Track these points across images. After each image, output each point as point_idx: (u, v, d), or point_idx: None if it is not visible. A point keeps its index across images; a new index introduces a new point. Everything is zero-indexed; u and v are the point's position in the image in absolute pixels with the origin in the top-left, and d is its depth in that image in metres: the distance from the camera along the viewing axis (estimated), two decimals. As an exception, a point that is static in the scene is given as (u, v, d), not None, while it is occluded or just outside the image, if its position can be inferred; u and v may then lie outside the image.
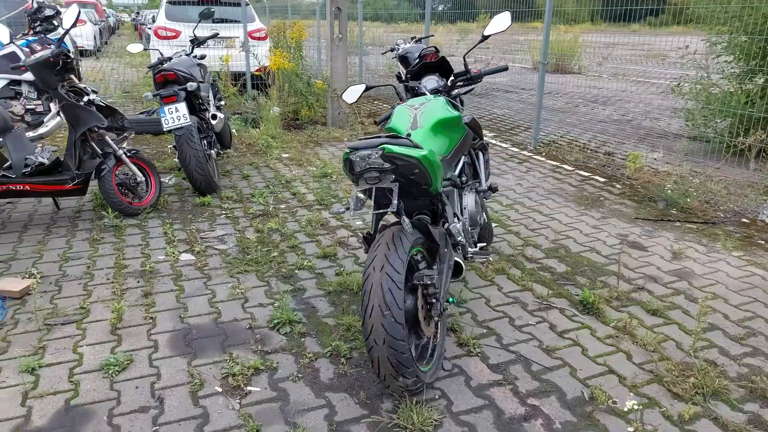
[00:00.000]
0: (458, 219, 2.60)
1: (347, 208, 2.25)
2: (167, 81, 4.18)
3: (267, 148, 5.96)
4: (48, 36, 5.07)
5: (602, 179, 5.12)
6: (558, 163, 5.66)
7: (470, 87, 3.26)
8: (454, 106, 2.98)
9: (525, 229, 3.93)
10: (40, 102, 4.71)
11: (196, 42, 5.27)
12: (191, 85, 4.17)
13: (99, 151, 3.76)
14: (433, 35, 7.96)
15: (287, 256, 3.38)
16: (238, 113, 7.07)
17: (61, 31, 5.06)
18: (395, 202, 1.97)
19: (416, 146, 2.07)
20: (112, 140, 3.82)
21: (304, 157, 5.69)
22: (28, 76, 4.76)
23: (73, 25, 3.54)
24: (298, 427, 1.96)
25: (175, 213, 4.08)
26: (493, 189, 3.27)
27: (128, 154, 3.90)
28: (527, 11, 7.91)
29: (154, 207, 4.09)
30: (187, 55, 5.13)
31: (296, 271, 3.18)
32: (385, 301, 1.89)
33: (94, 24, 19.97)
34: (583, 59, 10.61)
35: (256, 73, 7.58)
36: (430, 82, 2.99)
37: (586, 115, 8.19)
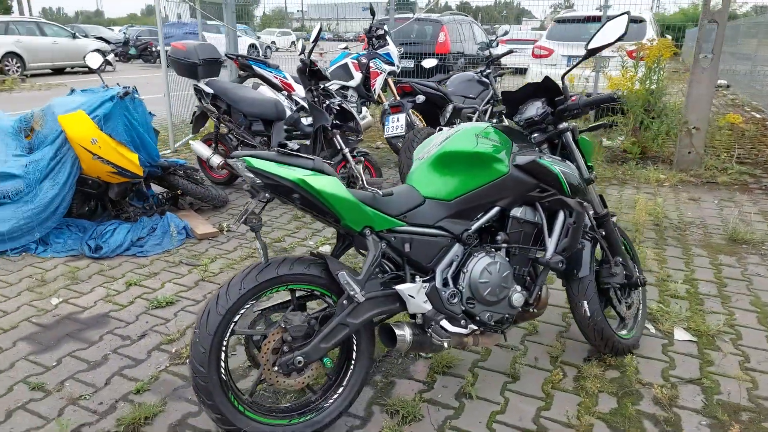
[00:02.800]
0: (445, 283, 2.05)
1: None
2: (405, 93, 4.57)
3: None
4: (378, 51, 6.21)
5: None
6: None
7: (598, 124, 2.40)
8: (535, 143, 2.27)
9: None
10: (354, 104, 5.89)
11: (490, 59, 5.41)
12: (419, 98, 4.43)
13: (338, 147, 4.52)
14: None
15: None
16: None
17: (389, 46, 6.14)
18: (243, 218, 1.84)
19: (321, 170, 1.85)
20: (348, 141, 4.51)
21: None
22: (353, 82, 6.02)
23: (315, 41, 4.36)
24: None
25: (379, 214, 4.48)
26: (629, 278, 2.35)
27: (355, 154, 4.53)
28: None
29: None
30: (479, 72, 5.37)
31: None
32: (200, 319, 1.83)
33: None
34: None
35: (606, 96, 6.95)
36: (531, 108, 2.38)
37: None
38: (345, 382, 2.04)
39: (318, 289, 1.96)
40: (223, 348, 1.85)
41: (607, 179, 5.57)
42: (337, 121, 4.48)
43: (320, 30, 4.38)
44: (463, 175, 2.07)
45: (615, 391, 2.28)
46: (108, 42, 19.84)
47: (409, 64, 8.86)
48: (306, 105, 5.84)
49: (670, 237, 4.02)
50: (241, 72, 5.99)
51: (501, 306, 2.14)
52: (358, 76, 6.03)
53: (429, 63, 5.72)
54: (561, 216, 2.22)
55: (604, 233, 2.46)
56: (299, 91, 6.01)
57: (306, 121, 5.33)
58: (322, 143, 4.49)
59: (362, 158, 4.59)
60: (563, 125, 2.30)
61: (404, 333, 2.00)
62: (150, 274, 3.31)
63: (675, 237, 4.02)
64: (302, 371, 1.93)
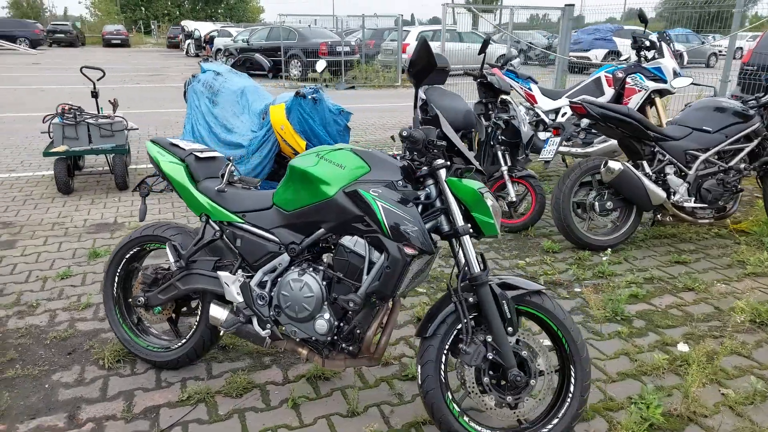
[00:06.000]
0: (263, 285, 2.28)
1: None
2: (579, 115, 4.04)
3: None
4: (645, 65, 5.23)
5: None
6: None
7: (460, 167, 2.07)
8: (413, 173, 2.15)
9: None
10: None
11: None
12: (583, 122, 3.88)
13: (499, 162, 4.45)
14: None
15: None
16: None
17: (662, 59, 5.29)
18: (137, 186, 2.55)
19: (183, 161, 2.42)
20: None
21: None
22: (603, 99, 5.36)
23: (482, 53, 4.24)
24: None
25: (513, 241, 4.22)
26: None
27: (514, 174, 4.35)
28: None
29: (527, 227, 4.40)
30: (753, 99, 4.20)
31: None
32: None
33: None
34: None
35: None
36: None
37: None
38: (188, 336, 2.54)
39: (174, 252, 2.53)
40: (117, 273, 2.65)
41: None
42: (503, 137, 4.40)
43: (487, 42, 4.36)
44: (299, 191, 2.20)
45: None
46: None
47: None
48: (546, 119, 5.76)
49: None
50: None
51: (306, 326, 2.20)
52: (609, 93, 5.46)
53: (681, 82, 4.67)
54: (382, 257, 2.06)
55: (473, 301, 2.06)
56: (542, 103, 5.93)
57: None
58: (488, 156, 4.52)
59: (527, 180, 4.38)
60: (437, 162, 2.08)
61: (219, 312, 2.36)
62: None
63: None
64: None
